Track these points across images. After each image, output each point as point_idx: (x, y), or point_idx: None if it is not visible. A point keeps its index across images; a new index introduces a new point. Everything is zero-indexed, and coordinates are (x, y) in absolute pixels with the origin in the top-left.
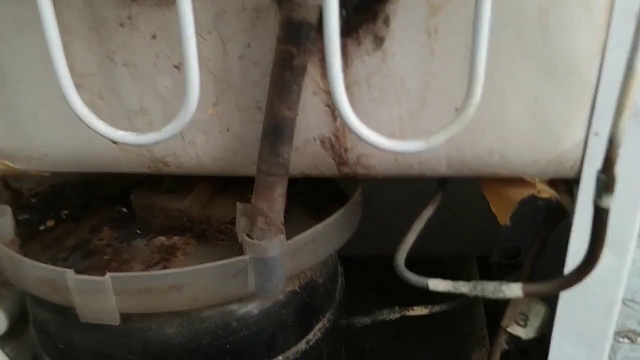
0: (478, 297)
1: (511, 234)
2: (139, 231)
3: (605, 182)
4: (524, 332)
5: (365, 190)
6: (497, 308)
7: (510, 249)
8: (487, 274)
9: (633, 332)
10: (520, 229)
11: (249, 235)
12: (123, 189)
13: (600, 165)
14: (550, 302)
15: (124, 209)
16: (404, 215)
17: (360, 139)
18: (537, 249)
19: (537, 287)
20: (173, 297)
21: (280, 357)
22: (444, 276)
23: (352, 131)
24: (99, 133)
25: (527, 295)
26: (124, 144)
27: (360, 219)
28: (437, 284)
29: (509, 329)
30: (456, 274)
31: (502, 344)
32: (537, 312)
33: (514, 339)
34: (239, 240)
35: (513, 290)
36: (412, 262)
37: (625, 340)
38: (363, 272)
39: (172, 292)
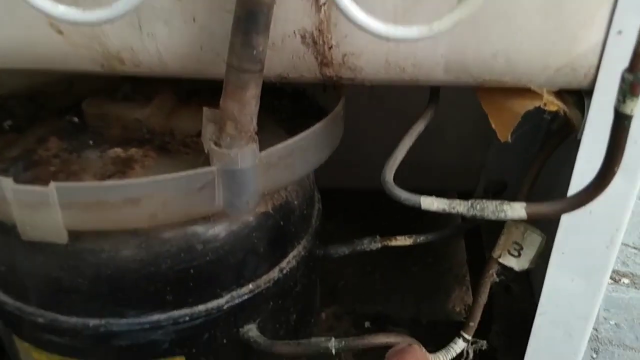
0: (476, 218)
1: (499, 164)
2: (91, 142)
3: (631, 84)
4: (516, 263)
5: (347, 117)
6: (477, 245)
7: (497, 182)
8: None
9: (617, 272)
10: (507, 159)
11: (216, 144)
12: (76, 101)
13: (625, 64)
14: (547, 231)
15: (75, 119)
16: (386, 145)
17: (350, 21)
18: (537, 170)
19: (543, 208)
20: (128, 212)
21: (250, 286)
22: (420, 215)
23: (341, 11)
24: (36, 7)
25: (531, 217)
26: (66, 21)
27: (340, 149)
28: (431, 203)
29: (500, 260)
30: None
31: (492, 276)
32: (533, 242)
33: (506, 270)
34: (205, 151)
35: (516, 210)
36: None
37: (609, 280)
38: (342, 205)
39: (127, 207)
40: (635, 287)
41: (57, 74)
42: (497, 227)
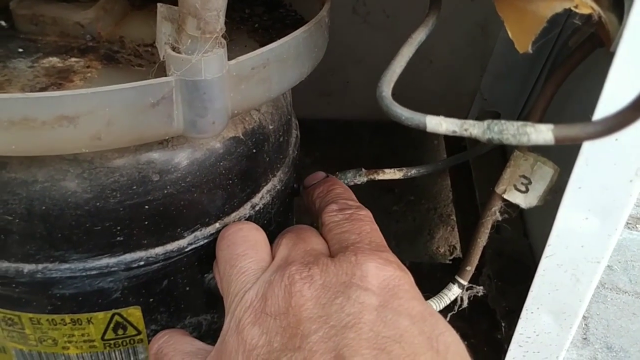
0: (492, 142)
1: (493, 93)
2: (21, 50)
3: None
4: (524, 200)
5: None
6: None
7: (489, 113)
8: (458, 147)
9: None
10: (503, 88)
11: (174, 48)
12: (5, 4)
13: None
14: (561, 163)
15: (2, 23)
16: (373, 70)
17: None
18: (552, 91)
19: (575, 131)
20: (65, 133)
21: (217, 225)
22: (407, 149)
23: None
24: None
25: (559, 141)
26: None
27: (321, 74)
28: (439, 123)
29: (505, 195)
30: (421, 145)
31: (495, 214)
32: (544, 175)
33: (510, 208)
34: (161, 58)
35: (541, 133)
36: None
37: None
38: (322, 138)
39: (62, 125)
40: (629, 228)
41: None
42: (489, 163)
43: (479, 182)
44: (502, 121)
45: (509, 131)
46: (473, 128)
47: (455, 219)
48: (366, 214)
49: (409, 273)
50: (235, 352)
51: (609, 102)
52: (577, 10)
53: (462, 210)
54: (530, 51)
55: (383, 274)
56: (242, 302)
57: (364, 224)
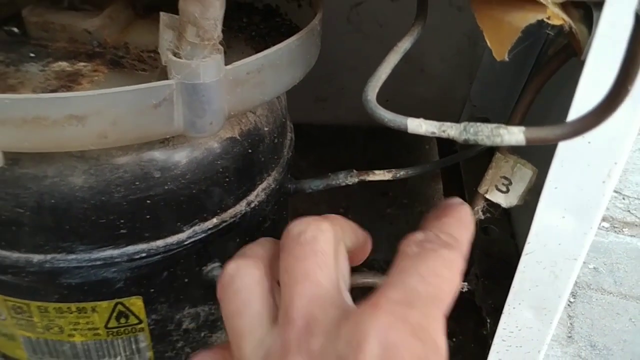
0: (469, 142)
1: (482, 100)
2: (32, 55)
3: None
4: (504, 199)
5: (322, 46)
6: (456, 186)
7: (479, 119)
8: (449, 151)
9: None
10: (491, 95)
11: (175, 54)
12: (16, 9)
13: None
14: (538, 165)
15: (15, 29)
16: (365, 77)
17: None
18: (532, 96)
19: (544, 132)
20: (73, 132)
21: (214, 220)
22: (399, 152)
23: None
24: None
25: (530, 142)
26: None
27: (314, 81)
28: (419, 125)
29: (487, 195)
30: (414, 149)
31: (478, 213)
32: (523, 176)
33: (492, 207)
34: (163, 63)
35: (513, 134)
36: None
37: None
38: (316, 142)
39: (71, 124)
40: (615, 231)
41: None
42: (478, 166)
43: (469, 185)
44: (477, 123)
45: (484, 132)
46: (450, 129)
47: None
48: None
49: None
50: None
51: (580, 107)
52: (549, 22)
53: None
54: (507, 59)
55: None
56: None
57: None
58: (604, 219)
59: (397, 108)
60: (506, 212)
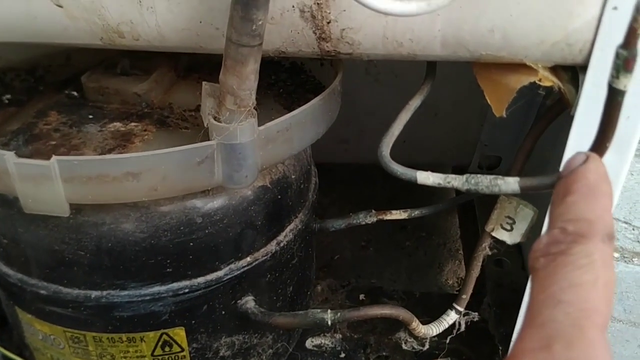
0: (470, 192)
1: (493, 140)
2: (91, 116)
3: (626, 59)
4: (509, 237)
5: (343, 93)
6: (471, 220)
7: (491, 157)
8: None
9: None
10: (501, 135)
11: (216, 118)
12: (74, 74)
13: (620, 40)
14: (540, 206)
15: (75, 93)
16: (382, 120)
17: None
18: (530, 146)
19: (536, 182)
20: (129, 186)
21: (248, 259)
22: (415, 190)
23: None
24: None
25: (524, 190)
26: None
27: (337, 124)
28: (427, 177)
29: (493, 233)
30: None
31: (485, 249)
32: (525, 216)
33: (498, 244)
34: (205, 125)
35: (509, 184)
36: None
37: None
38: (338, 180)
39: (127, 180)
40: (625, 261)
41: (54, 47)
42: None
43: (482, 220)
44: (478, 175)
45: (483, 183)
46: (454, 180)
47: (462, 253)
48: None
49: None
50: None
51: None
52: (540, 83)
53: (468, 246)
54: (505, 116)
55: None
56: None
57: None
58: (614, 250)
59: (414, 148)
60: (518, 246)
